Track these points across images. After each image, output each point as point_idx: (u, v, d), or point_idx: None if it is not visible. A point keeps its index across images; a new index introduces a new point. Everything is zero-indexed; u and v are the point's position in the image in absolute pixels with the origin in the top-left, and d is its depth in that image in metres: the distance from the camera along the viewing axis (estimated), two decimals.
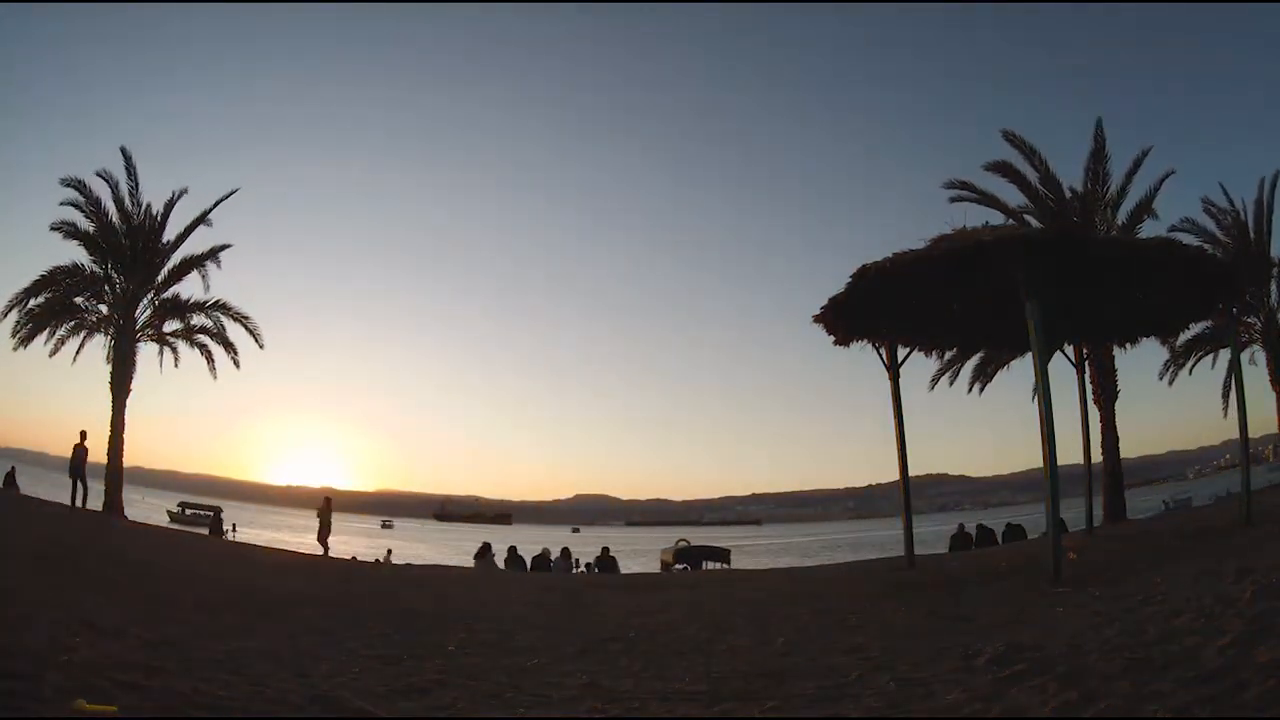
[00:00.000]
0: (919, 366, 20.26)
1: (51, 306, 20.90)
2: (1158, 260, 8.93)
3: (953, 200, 18.81)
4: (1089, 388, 15.84)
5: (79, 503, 15.64)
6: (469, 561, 18.73)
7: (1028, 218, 18.56)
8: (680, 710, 3.51)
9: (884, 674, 3.90)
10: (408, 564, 20.82)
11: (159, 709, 2.90)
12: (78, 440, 16.33)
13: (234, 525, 37.97)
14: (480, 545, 18.47)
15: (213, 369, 22.20)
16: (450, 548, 44.41)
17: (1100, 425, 17.66)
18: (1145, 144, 18.38)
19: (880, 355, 10.62)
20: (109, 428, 20.44)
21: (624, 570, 18.60)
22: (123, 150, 21.50)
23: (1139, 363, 17.21)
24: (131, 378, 20.85)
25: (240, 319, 22.12)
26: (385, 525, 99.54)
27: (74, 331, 21.40)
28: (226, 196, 22.28)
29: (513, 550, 17.70)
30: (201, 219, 21.85)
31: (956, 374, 19.90)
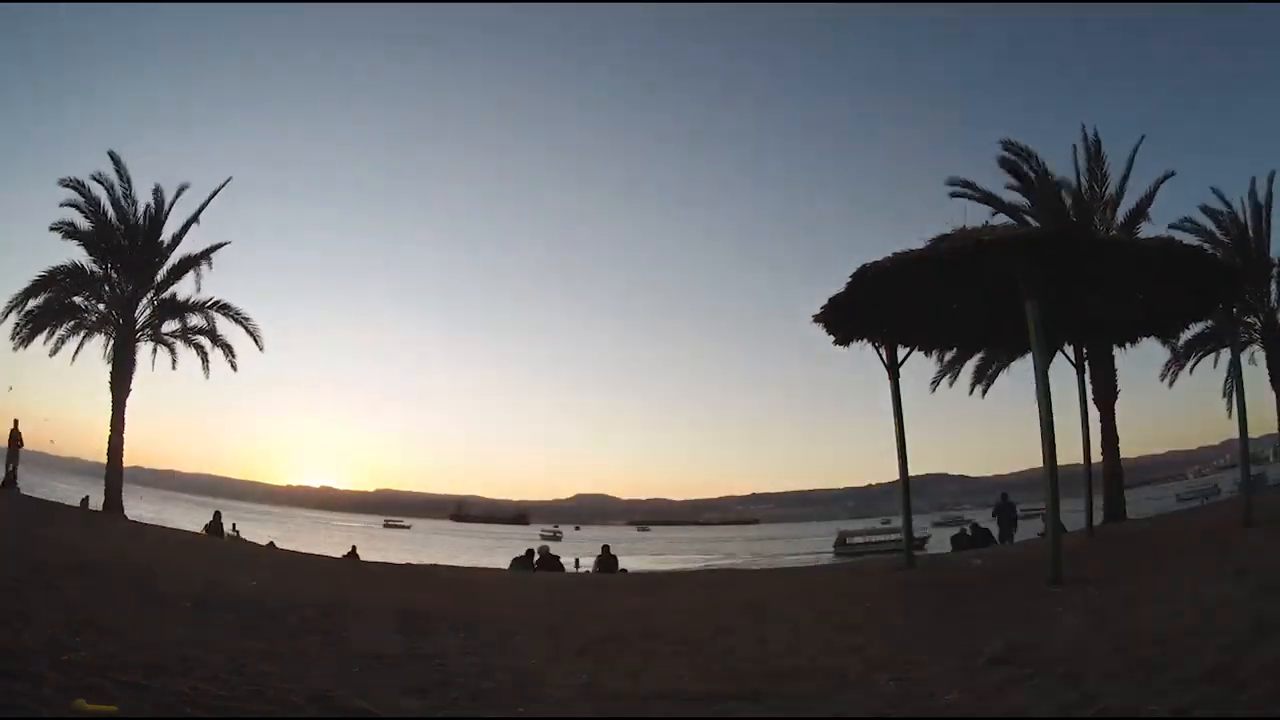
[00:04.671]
0: (919, 366, 20.19)
1: (51, 307, 20.88)
2: (1158, 260, 8.92)
3: (953, 195, 18.82)
4: (1089, 388, 15.83)
5: None
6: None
7: (1027, 218, 18.56)
8: (680, 710, 3.51)
9: (884, 674, 3.91)
10: (407, 563, 20.84)
11: (159, 709, 2.90)
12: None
13: (234, 525, 37.94)
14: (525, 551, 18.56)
15: (208, 369, 22.17)
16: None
17: (1100, 425, 17.65)
18: (1145, 144, 18.39)
19: (880, 355, 10.61)
20: (109, 428, 20.46)
21: None
22: (111, 154, 21.31)
23: (1139, 363, 17.20)
24: (131, 377, 20.84)
25: (239, 319, 22.08)
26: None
27: (74, 331, 21.36)
28: (220, 188, 22.05)
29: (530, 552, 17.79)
30: (198, 213, 21.73)
31: (956, 374, 19.88)
